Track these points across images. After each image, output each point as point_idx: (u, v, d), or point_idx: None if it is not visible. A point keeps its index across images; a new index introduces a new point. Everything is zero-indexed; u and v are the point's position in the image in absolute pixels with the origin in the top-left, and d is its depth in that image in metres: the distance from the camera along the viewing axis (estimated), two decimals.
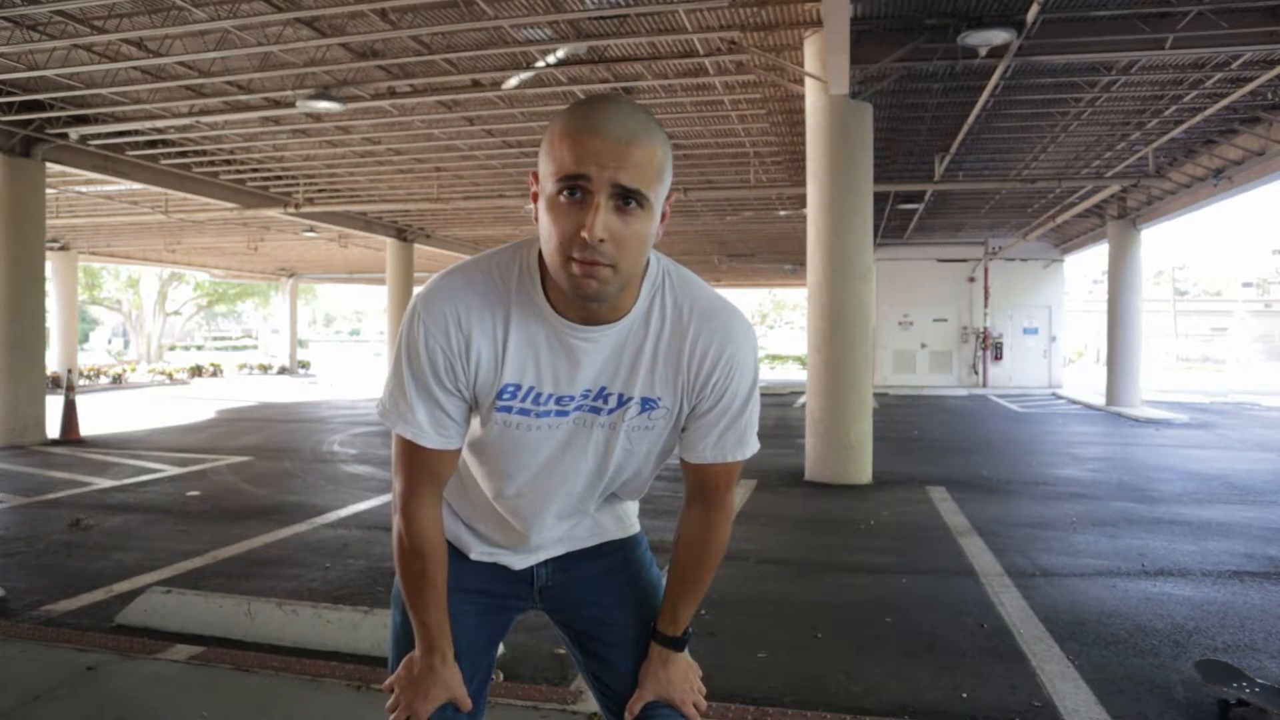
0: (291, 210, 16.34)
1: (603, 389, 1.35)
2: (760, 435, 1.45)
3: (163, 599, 4.14)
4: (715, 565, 1.51)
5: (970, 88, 9.46)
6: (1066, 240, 21.79)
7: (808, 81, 8.44)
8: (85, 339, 46.31)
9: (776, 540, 6.17)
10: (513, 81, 9.55)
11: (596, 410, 1.36)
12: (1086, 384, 24.01)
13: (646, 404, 1.36)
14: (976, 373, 22.64)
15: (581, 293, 1.20)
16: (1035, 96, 10.16)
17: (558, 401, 1.34)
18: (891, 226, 19.64)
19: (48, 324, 20.51)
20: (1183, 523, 6.65)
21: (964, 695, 3.38)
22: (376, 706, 3.13)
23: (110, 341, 51.79)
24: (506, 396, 1.34)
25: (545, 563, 1.56)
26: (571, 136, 1.16)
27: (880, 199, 14.65)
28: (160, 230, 21.26)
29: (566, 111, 1.20)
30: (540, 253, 1.27)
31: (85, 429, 11.94)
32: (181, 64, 9.16)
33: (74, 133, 11.38)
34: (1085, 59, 8.32)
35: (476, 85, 9.80)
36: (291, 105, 10.10)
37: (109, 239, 23.54)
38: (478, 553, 1.53)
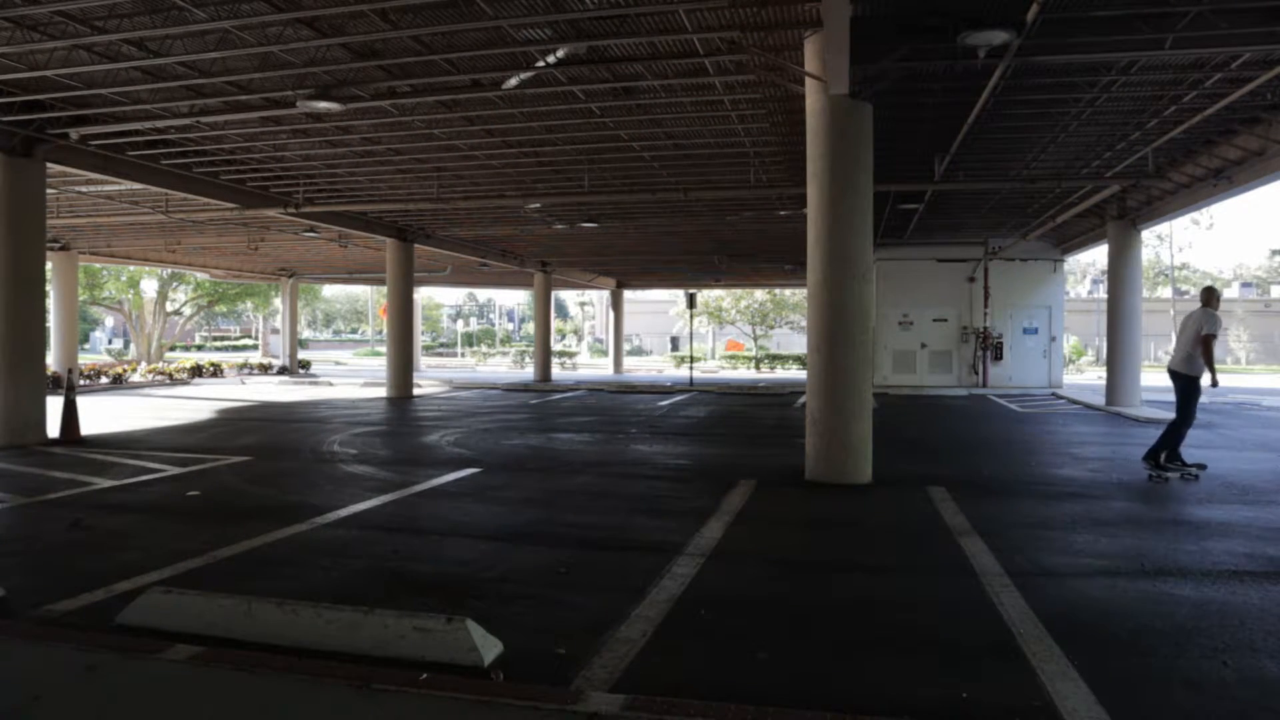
0: (291, 210, 16.34)
1: None
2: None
3: (163, 599, 4.14)
4: None
5: (970, 88, 9.46)
6: (1066, 240, 21.79)
7: (808, 81, 8.44)
8: (85, 339, 46.34)
9: (776, 540, 6.17)
10: (513, 81, 9.55)
11: None
12: (1085, 384, 24.01)
13: None
14: (976, 373, 22.63)
15: None
16: (1035, 97, 10.16)
17: None
18: (891, 226, 19.63)
19: (48, 324, 20.55)
20: (1183, 523, 6.66)
21: (964, 695, 3.38)
22: (377, 706, 3.13)
23: (110, 341, 51.83)
24: None
25: None
26: None
27: (880, 199, 14.62)
28: (160, 230, 21.26)
29: None
30: None
31: (86, 429, 11.95)
32: (181, 64, 9.16)
33: (74, 133, 11.38)
34: (1085, 59, 8.32)
35: (476, 85, 9.80)
36: (291, 105, 10.10)
37: (109, 239, 23.54)
38: None
